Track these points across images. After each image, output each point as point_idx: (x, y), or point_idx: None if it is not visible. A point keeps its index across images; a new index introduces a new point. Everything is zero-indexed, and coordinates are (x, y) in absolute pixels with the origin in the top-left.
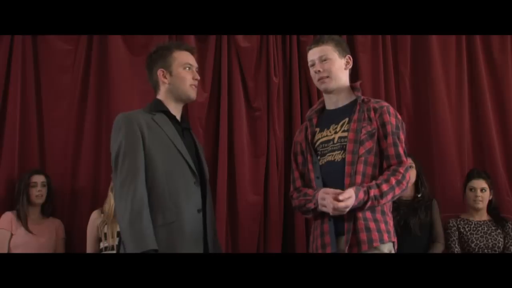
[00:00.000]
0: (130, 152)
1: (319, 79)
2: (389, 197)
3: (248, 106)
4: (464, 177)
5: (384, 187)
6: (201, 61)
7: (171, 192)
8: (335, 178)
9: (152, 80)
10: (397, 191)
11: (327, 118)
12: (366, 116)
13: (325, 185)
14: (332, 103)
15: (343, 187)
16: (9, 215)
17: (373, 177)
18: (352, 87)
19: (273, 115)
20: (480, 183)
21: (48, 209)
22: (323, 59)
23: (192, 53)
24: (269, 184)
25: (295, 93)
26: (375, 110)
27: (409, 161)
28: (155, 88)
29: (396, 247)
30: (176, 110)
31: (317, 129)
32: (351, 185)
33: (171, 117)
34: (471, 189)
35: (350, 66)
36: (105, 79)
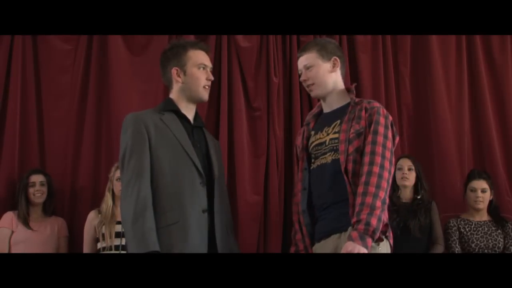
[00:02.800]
0: (136, 153)
1: (307, 87)
2: (378, 204)
3: (248, 106)
4: (464, 177)
5: (366, 209)
6: None
7: (175, 192)
8: (324, 180)
9: (166, 78)
10: (382, 194)
11: (322, 121)
12: (356, 115)
13: (310, 195)
14: (327, 106)
15: (331, 189)
16: (10, 214)
17: None
18: (347, 89)
19: (273, 115)
20: (481, 184)
21: (49, 208)
22: (307, 67)
23: (207, 52)
24: (269, 184)
25: (295, 93)
26: (366, 109)
27: (385, 162)
28: (169, 86)
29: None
30: (187, 109)
31: (312, 132)
32: (349, 183)
33: (181, 116)
34: (471, 190)
35: (337, 67)
36: (105, 79)
